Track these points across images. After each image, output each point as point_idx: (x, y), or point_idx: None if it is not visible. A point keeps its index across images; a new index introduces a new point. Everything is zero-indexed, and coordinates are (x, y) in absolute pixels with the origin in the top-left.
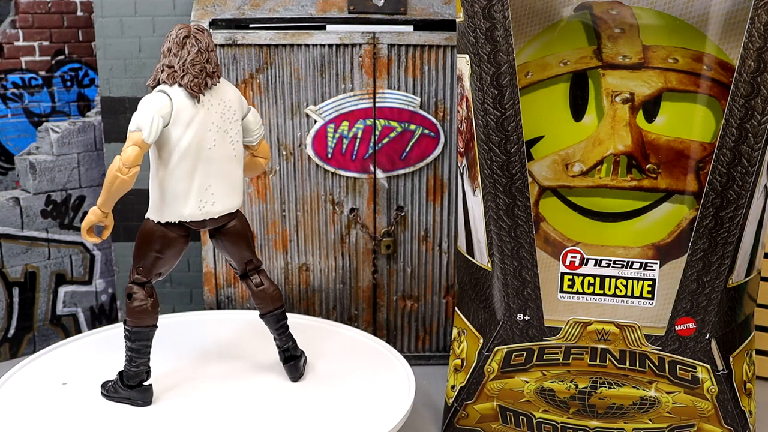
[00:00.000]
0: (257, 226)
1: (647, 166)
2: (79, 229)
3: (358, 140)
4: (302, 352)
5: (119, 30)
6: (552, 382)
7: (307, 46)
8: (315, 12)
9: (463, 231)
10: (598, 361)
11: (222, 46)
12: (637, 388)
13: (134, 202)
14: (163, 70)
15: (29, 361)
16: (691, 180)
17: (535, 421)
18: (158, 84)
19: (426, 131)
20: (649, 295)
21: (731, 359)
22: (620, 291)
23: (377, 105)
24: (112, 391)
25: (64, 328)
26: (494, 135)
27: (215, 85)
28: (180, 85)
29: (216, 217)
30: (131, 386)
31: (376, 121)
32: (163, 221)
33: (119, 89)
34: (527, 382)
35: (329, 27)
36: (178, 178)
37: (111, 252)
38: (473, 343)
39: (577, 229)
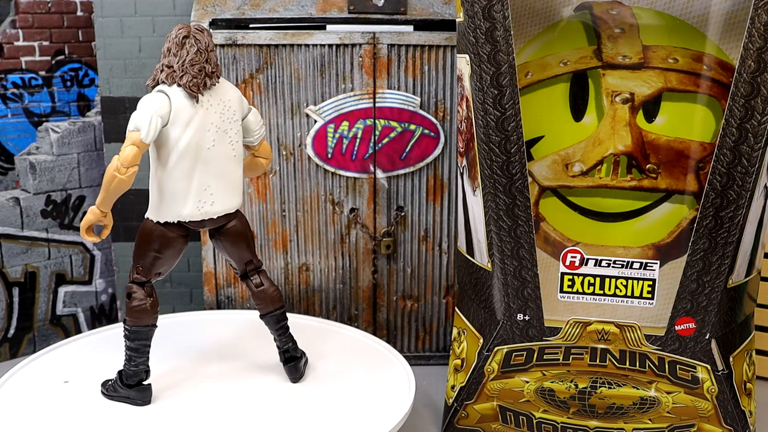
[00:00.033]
0: (257, 226)
1: (647, 166)
2: (78, 229)
3: (358, 140)
4: (303, 353)
5: (119, 30)
6: (552, 382)
7: (307, 46)
8: (315, 12)
9: (463, 231)
10: (598, 361)
11: (222, 46)
12: (637, 388)
13: (134, 201)
14: (162, 70)
15: (29, 361)
16: (691, 180)
17: (535, 421)
18: (157, 84)
19: (426, 131)
20: (649, 295)
21: (731, 359)
22: (620, 291)
23: (377, 105)
24: (112, 390)
25: (64, 328)
26: (494, 135)
27: (215, 85)
28: (179, 85)
29: (215, 217)
30: (130, 385)
31: (376, 121)
32: (162, 221)
33: (119, 89)
34: (527, 382)
35: (329, 27)
36: (177, 178)
37: (111, 252)
38: (473, 343)
39: (577, 229)
